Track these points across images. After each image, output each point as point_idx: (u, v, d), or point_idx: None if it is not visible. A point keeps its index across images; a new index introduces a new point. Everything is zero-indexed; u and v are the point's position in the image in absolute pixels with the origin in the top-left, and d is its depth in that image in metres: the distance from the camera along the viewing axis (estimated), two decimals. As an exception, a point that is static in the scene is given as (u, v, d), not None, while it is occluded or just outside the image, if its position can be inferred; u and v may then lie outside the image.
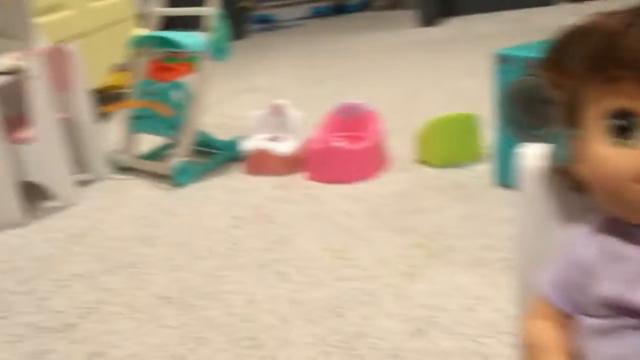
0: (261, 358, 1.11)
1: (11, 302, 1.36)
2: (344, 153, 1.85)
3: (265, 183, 1.89)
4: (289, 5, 5.39)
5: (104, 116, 2.25)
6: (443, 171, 1.83)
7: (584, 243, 0.52)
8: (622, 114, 0.46)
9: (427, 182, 1.79)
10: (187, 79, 2.00)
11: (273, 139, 1.99)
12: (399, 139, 2.02)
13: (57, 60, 1.88)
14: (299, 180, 1.89)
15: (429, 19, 4.27)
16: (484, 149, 1.85)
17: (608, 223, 0.51)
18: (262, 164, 1.95)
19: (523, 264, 0.60)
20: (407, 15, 4.45)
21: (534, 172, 0.56)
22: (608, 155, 0.47)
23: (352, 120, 1.97)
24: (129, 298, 1.33)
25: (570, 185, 0.52)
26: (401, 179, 1.83)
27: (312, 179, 1.87)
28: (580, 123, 0.50)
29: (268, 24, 5.27)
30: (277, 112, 2.02)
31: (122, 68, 2.98)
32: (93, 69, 2.31)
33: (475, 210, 1.58)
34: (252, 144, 1.98)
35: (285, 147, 1.94)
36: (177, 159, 1.95)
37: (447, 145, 1.86)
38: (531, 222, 0.58)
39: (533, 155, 0.57)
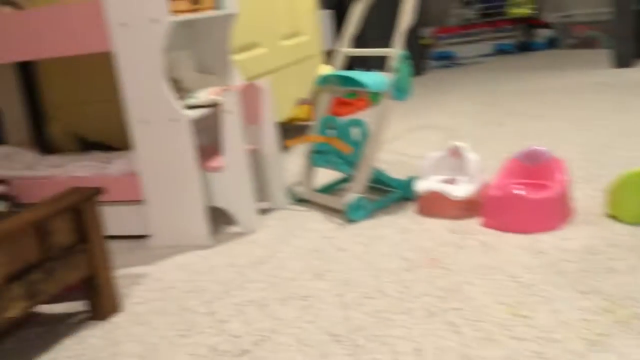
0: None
1: (194, 321, 1.46)
2: (525, 202, 1.76)
3: (437, 226, 1.86)
4: (470, 42, 5.32)
5: (286, 148, 2.37)
6: (637, 229, 1.67)
7: None
8: None
9: (617, 239, 1.64)
10: (366, 116, 2.05)
11: (449, 181, 1.95)
12: (587, 190, 1.88)
13: (250, 95, 2.01)
14: (473, 226, 1.83)
15: (624, 60, 3.97)
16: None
17: None
18: (435, 206, 1.92)
19: None
20: (599, 54, 4.18)
21: None
22: None
23: (534, 168, 1.88)
24: (300, 331, 1.36)
25: None
26: (587, 233, 1.70)
27: (488, 225, 1.80)
28: None
29: (448, 60, 5.24)
30: (455, 154, 1.99)
31: (304, 101, 3.14)
32: (280, 103, 2.45)
33: (674, 277, 1.41)
34: (426, 184, 1.96)
35: (461, 190, 1.89)
36: (352, 195, 1.98)
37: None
38: None
39: None
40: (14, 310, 1.27)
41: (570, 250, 1.62)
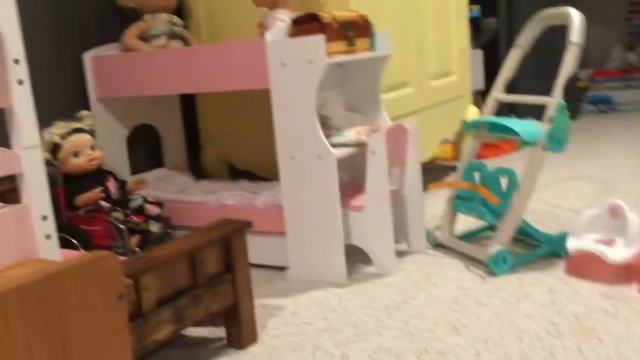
0: None
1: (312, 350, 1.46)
2: (694, 273, 1.59)
3: (589, 289, 1.73)
4: (631, 87, 4.97)
5: (427, 190, 2.33)
6: None
7: None
8: None
9: None
10: (513, 160, 1.96)
11: (605, 242, 1.81)
12: None
13: (397, 136, 2.01)
14: (629, 293, 1.68)
15: None
16: None
17: None
18: (589, 267, 1.79)
19: None
20: None
21: None
22: None
23: None
24: (434, 388, 1.32)
25: None
26: None
27: (647, 294, 1.65)
28: None
29: (605, 105, 4.94)
30: (614, 213, 1.84)
31: (447, 141, 3.08)
32: (424, 143, 2.42)
33: None
34: (580, 243, 1.83)
35: (619, 253, 1.75)
36: (495, 246, 1.90)
37: None
38: None
39: None
40: (162, 333, 1.33)
41: None
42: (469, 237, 2.16)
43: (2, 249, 1.11)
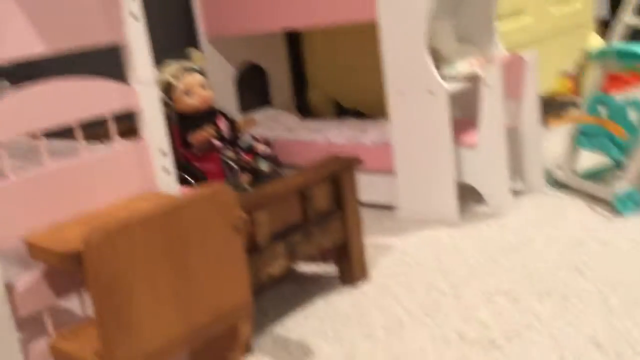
0: None
1: (440, 303, 1.42)
2: None
3: None
4: None
5: (546, 126, 2.18)
6: None
7: None
8: None
9: None
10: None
11: None
12: None
13: (513, 68, 1.88)
14: None
15: None
16: None
17: None
18: None
19: None
20: None
21: None
22: None
23: None
24: (557, 332, 1.25)
25: None
26: None
27: None
28: None
29: None
30: None
31: (568, 74, 2.87)
32: (542, 76, 2.26)
33: None
34: None
35: None
36: (623, 185, 1.76)
37: None
38: None
39: None
40: (276, 268, 1.35)
41: None
42: (593, 175, 2.01)
43: (124, 183, 1.15)
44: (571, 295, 1.37)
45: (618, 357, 1.15)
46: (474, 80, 1.85)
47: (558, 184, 2.01)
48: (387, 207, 2.00)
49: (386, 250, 1.73)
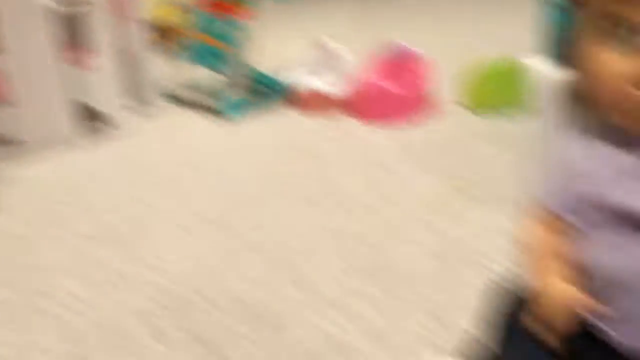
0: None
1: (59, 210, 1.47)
2: (390, 96, 1.86)
3: (310, 121, 1.93)
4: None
5: (157, 46, 2.29)
6: (491, 118, 1.83)
7: (577, 147, 0.53)
8: (618, 18, 0.47)
9: (474, 129, 1.79)
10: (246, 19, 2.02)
11: (315, 73, 2.00)
12: (448, 84, 2.00)
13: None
14: (343, 120, 1.91)
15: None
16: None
17: (608, 132, 0.52)
18: (309, 102, 1.97)
19: (534, 175, 0.61)
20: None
21: (549, 86, 0.58)
22: (607, 60, 0.47)
23: (399, 63, 1.96)
24: (172, 215, 1.42)
25: (575, 97, 0.53)
26: (447, 124, 1.83)
27: (358, 119, 1.89)
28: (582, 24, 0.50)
29: None
30: (322, 49, 2.03)
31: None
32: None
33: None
34: (298, 81, 2.00)
35: (332, 86, 1.95)
36: (229, 94, 1.99)
37: (494, 91, 1.85)
38: (545, 132, 0.59)
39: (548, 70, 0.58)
40: None
41: (431, 140, 1.75)
42: (206, 88, 2.15)
43: None
44: (185, 186, 1.56)
45: (226, 225, 1.36)
46: (84, 3, 1.85)
47: (173, 98, 2.14)
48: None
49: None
